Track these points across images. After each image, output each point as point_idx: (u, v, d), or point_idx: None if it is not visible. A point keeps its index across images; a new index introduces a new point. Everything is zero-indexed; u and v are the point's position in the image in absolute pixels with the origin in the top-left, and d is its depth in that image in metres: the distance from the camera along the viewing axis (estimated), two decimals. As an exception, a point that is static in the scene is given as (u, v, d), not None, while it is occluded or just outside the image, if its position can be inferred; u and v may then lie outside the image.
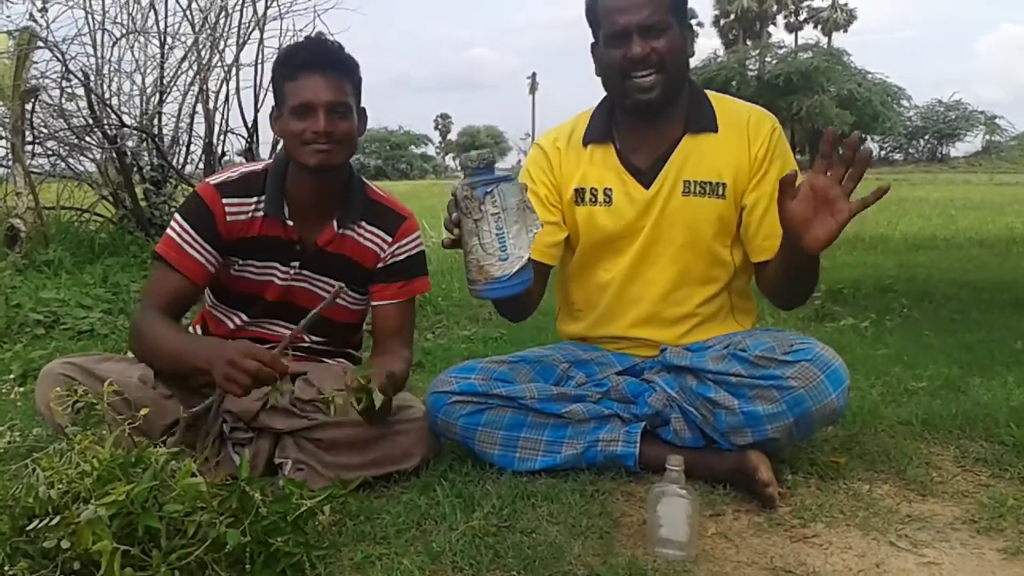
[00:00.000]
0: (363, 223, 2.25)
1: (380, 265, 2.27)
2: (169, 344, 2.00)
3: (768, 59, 52.49)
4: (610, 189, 2.19)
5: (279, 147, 5.46)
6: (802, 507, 1.94)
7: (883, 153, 59.35)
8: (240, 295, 2.24)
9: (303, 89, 2.05)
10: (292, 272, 2.24)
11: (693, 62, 2.25)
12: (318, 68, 2.06)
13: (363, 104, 2.19)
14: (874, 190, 1.72)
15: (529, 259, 1.81)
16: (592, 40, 2.17)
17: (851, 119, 48.37)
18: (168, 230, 2.16)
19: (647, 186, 2.16)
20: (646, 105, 2.08)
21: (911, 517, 1.90)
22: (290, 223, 2.18)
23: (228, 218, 2.15)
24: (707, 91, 2.22)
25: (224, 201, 2.15)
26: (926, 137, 57.39)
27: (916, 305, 4.90)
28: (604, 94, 2.23)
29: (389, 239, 2.27)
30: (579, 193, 2.23)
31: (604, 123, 2.23)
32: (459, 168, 1.82)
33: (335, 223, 2.22)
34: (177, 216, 2.18)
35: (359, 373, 1.89)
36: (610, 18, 2.06)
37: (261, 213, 2.17)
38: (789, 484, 2.06)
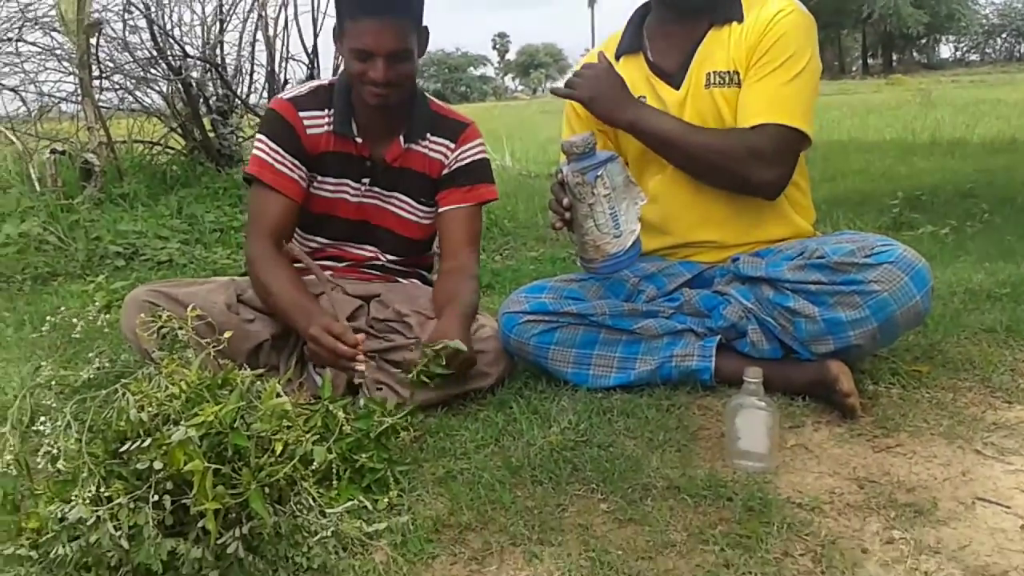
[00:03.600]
0: (428, 135, 2.26)
1: (445, 172, 2.29)
2: (276, 297, 2.08)
3: (837, -42, 50.33)
4: (643, 97, 2.17)
5: (342, 70, 5.49)
6: (884, 417, 1.91)
7: (959, 54, 56.96)
8: (315, 216, 2.27)
9: (363, 34, 2.03)
10: (363, 189, 2.27)
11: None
12: (379, 14, 2.02)
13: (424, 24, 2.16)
14: None
15: (639, 231, 1.92)
16: None
17: (925, 19, 46.38)
18: (255, 151, 2.20)
19: (677, 87, 2.14)
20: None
21: (997, 424, 1.87)
22: (359, 140, 2.20)
23: (308, 131, 2.19)
24: None
25: (301, 114, 2.19)
26: (1003, 36, 54.90)
27: (997, 210, 4.75)
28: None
29: (452, 145, 2.29)
30: None
31: (634, 34, 2.24)
32: (562, 152, 1.92)
33: (401, 139, 2.23)
34: (261, 136, 2.21)
35: (432, 347, 1.91)
36: None
37: (332, 128, 2.20)
38: (870, 395, 2.03)
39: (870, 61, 53.88)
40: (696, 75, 2.12)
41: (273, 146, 2.17)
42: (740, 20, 2.09)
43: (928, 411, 1.94)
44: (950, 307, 2.66)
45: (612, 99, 2.08)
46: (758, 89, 2.03)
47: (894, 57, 54.32)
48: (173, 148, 5.91)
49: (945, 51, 58.22)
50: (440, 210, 2.30)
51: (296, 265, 2.26)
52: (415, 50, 2.11)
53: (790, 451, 1.79)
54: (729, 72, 2.09)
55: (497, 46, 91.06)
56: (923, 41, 53.72)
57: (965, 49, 56.91)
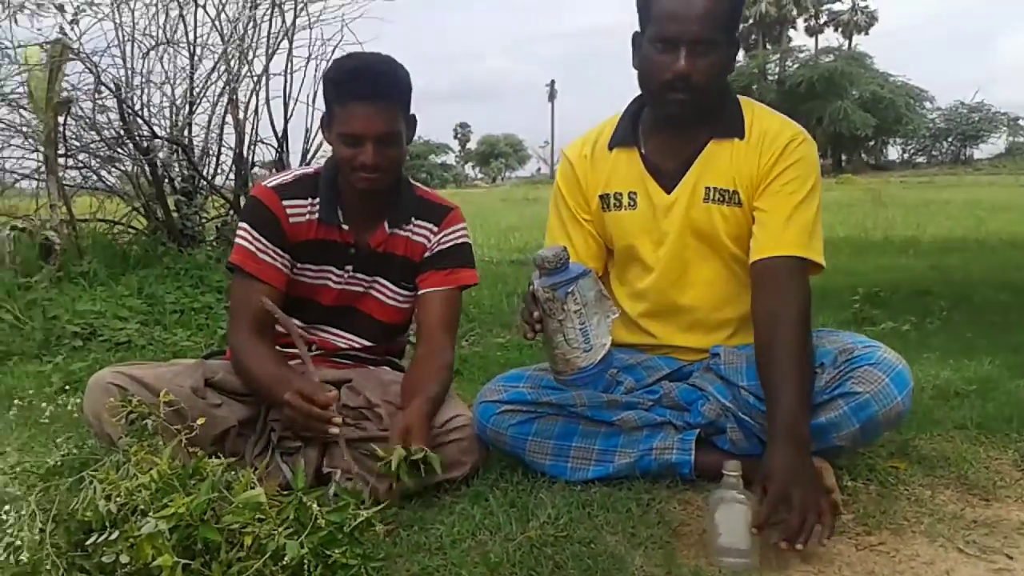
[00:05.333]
0: (413, 219, 2.26)
1: (427, 254, 2.28)
2: (256, 377, 2.06)
3: (789, 64, 52.31)
4: (634, 193, 2.17)
5: (311, 154, 5.47)
6: (865, 514, 1.89)
7: (906, 156, 58.98)
8: (296, 299, 2.23)
9: (352, 119, 2.05)
10: (347, 275, 2.25)
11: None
12: (368, 99, 2.04)
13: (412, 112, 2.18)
14: None
15: (611, 344, 1.88)
16: (638, 29, 2.10)
17: (874, 122, 48.10)
18: (238, 239, 2.17)
19: (669, 191, 2.13)
20: (677, 117, 2.08)
21: (977, 523, 1.86)
22: (346, 227, 2.19)
23: (291, 220, 2.17)
24: (745, 98, 2.17)
25: (284, 203, 2.16)
26: (949, 139, 57.03)
27: (955, 307, 4.85)
28: (627, 101, 2.22)
29: (436, 229, 2.28)
30: (604, 199, 2.22)
31: (630, 127, 2.21)
32: (533, 265, 1.88)
33: (386, 224, 2.22)
34: (244, 224, 2.18)
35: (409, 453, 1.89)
36: (663, 22, 1.99)
37: (316, 216, 2.18)
38: (849, 491, 2.01)
39: (821, 161, 55.55)
40: (694, 185, 2.11)
41: (256, 234, 2.14)
42: (742, 137, 2.09)
43: (908, 508, 1.94)
44: (921, 404, 2.67)
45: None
46: (779, 220, 2.01)
47: (843, 158, 56.04)
48: (135, 228, 5.84)
49: (892, 152, 60.28)
50: (419, 292, 2.28)
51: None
52: (403, 134, 2.12)
53: (774, 548, 1.76)
54: (729, 191, 2.08)
55: (458, 135, 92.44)
56: (871, 143, 55.60)
57: (912, 151, 58.97)
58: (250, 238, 2.15)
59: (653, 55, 2.02)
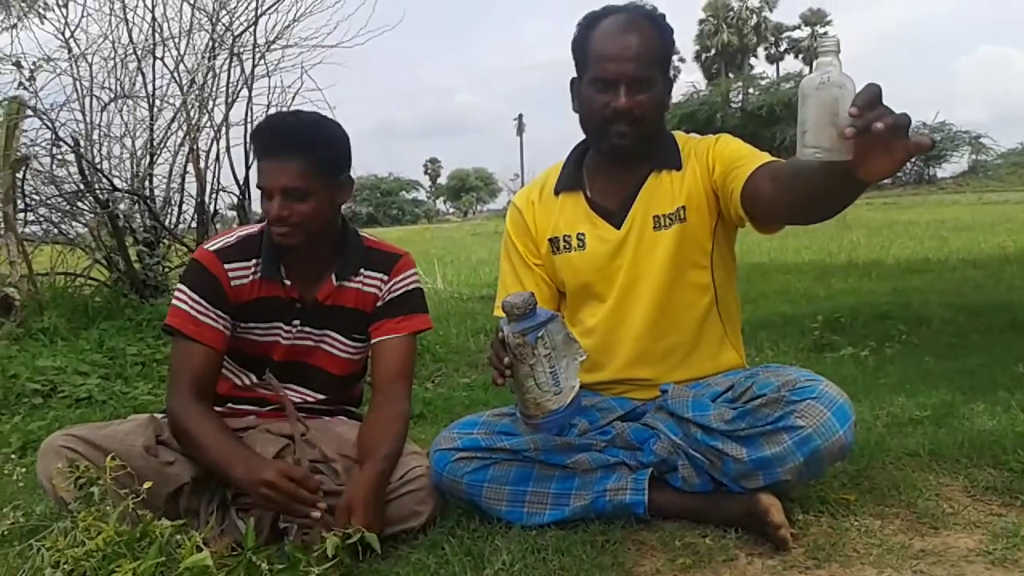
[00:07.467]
0: (362, 271, 2.27)
1: (379, 303, 2.28)
2: (208, 449, 2.01)
3: (751, 91, 53.00)
4: (582, 234, 2.23)
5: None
6: (815, 547, 1.91)
7: (870, 177, 59.59)
8: (247, 356, 2.24)
9: (261, 173, 2.10)
10: (295, 331, 2.25)
11: (673, 97, 2.27)
12: (273, 153, 2.08)
13: (351, 172, 2.22)
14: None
15: (580, 386, 1.93)
16: (575, 75, 2.19)
17: (836, 145, 48.61)
18: (176, 302, 2.16)
19: (618, 226, 2.19)
20: (621, 150, 2.13)
21: (925, 552, 1.88)
22: (288, 283, 2.20)
23: (233, 283, 2.17)
24: (679, 132, 2.26)
25: (226, 266, 2.17)
26: (913, 160, 57.80)
27: (914, 331, 4.91)
28: (582, 137, 2.27)
29: (386, 277, 2.29)
30: (554, 243, 2.27)
31: (574, 171, 2.28)
32: (502, 311, 1.91)
33: (333, 277, 2.23)
34: (182, 287, 2.17)
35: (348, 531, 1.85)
36: (600, 64, 2.08)
37: (259, 275, 2.19)
38: (800, 524, 2.04)
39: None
40: (641, 217, 2.17)
41: (195, 296, 2.14)
42: (679, 168, 2.16)
43: (857, 539, 1.96)
44: (874, 432, 2.71)
45: None
46: (743, 159, 2.01)
47: (808, 180, 56.45)
48: (96, 279, 5.81)
49: (856, 175, 60.84)
50: (373, 341, 2.29)
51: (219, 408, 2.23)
52: (316, 193, 2.10)
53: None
54: (675, 210, 2.15)
55: (429, 171, 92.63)
56: (835, 166, 56.04)
57: (875, 172, 59.67)
58: (189, 301, 2.14)
59: (594, 95, 2.10)
